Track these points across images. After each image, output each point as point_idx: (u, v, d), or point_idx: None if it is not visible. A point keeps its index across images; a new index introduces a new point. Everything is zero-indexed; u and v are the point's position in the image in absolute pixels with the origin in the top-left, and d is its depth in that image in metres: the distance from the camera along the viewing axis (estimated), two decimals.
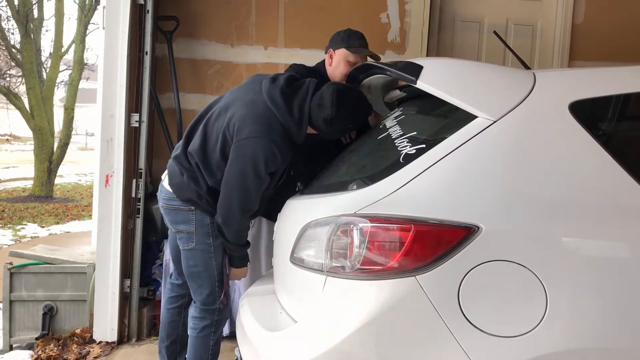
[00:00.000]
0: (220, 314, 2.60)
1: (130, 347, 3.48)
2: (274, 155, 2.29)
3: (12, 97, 12.27)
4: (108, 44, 3.49)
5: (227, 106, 2.43)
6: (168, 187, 2.55)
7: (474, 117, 1.73)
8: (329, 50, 2.88)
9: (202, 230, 2.49)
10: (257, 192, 2.38)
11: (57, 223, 8.99)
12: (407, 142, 1.84)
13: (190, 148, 2.49)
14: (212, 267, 2.51)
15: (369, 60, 2.83)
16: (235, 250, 2.53)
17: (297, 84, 2.41)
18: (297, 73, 2.69)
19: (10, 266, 3.64)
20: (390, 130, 2.05)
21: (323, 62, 2.95)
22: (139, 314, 3.58)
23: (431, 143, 1.75)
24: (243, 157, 2.30)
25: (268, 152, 2.28)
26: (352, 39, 2.81)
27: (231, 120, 2.36)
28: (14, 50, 12.55)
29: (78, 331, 3.59)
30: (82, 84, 12.99)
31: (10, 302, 3.63)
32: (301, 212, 2.04)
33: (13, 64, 13.25)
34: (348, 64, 2.79)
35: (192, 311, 2.63)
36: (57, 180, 12.87)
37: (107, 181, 3.47)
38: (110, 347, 3.45)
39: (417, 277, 1.57)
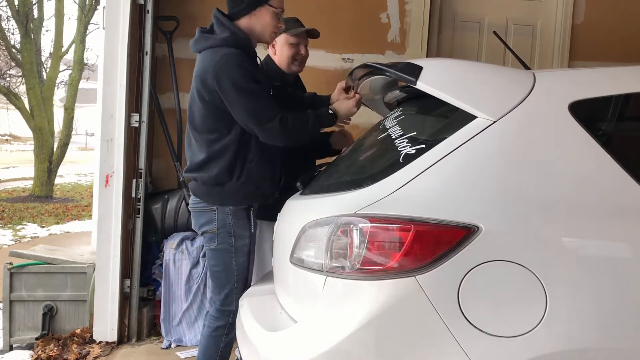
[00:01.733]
0: (234, 317, 2.55)
1: (130, 347, 3.48)
2: (243, 61, 2.38)
3: (12, 97, 12.28)
4: (108, 44, 3.50)
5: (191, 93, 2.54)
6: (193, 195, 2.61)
7: (474, 117, 1.73)
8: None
9: (224, 230, 2.50)
10: (264, 95, 2.40)
11: (57, 223, 8.99)
12: (407, 143, 1.84)
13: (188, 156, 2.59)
14: (232, 267, 2.52)
15: (369, 61, 2.83)
16: (318, 121, 2.50)
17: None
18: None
19: (10, 266, 3.64)
20: (390, 130, 2.05)
21: (267, 58, 3.01)
22: (139, 314, 3.58)
23: (431, 143, 1.75)
24: (228, 80, 2.34)
25: (237, 60, 2.36)
26: (288, 23, 2.87)
27: (196, 84, 2.45)
28: (14, 50, 12.56)
29: (78, 331, 3.59)
30: (82, 84, 13.00)
31: (10, 302, 3.64)
32: (301, 212, 2.04)
33: (13, 64, 13.26)
34: (291, 47, 2.90)
35: (211, 309, 2.65)
36: (57, 180, 12.88)
37: (107, 181, 3.47)
38: (110, 347, 3.46)
39: (416, 277, 1.57)
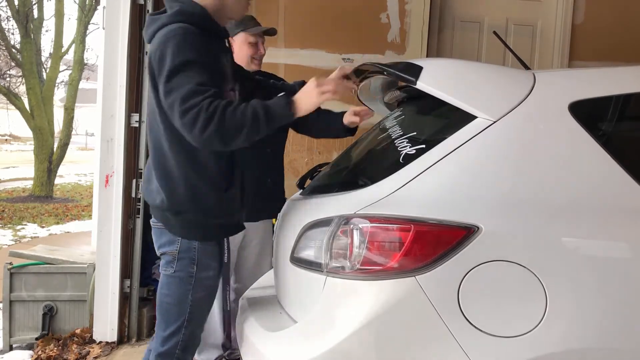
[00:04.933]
0: None
1: (130, 347, 3.48)
2: (192, 36, 1.87)
3: (12, 97, 12.28)
4: (108, 44, 3.49)
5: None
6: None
7: (474, 117, 1.73)
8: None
9: (187, 255, 1.98)
10: (199, 76, 1.81)
11: (57, 223, 8.99)
12: (407, 143, 1.84)
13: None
14: (186, 302, 1.99)
15: (369, 61, 2.83)
16: (257, 124, 1.82)
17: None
18: None
19: (10, 266, 3.64)
20: (390, 130, 2.05)
21: None
22: (139, 314, 3.58)
23: (431, 143, 1.75)
24: (166, 53, 1.84)
25: (182, 34, 1.86)
26: (245, 21, 2.87)
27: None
28: (14, 50, 12.55)
29: (78, 331, 3.59)
30: (82, 84, 13.00)
31: (10, 302, 3.63)
32: (301, 212, 2.04)
33: (13, 64, 13.26)
34: (250, 46, 2.88)
35: (146, 352, 2.15)
36: (57, 180, 12.88)
37: (107, 181, 3.47)
38: (110, 347, 3.45)
39: (416, 277, 1.57)
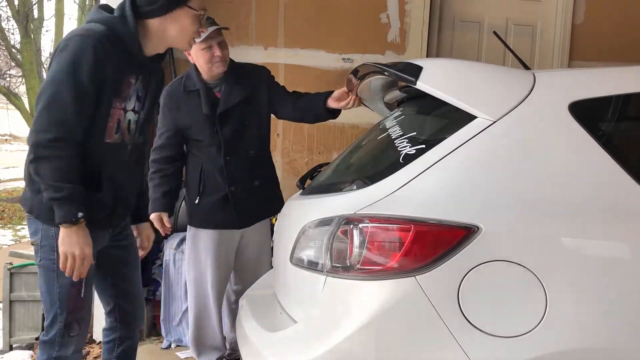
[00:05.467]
0: (62, 349, 2.03)
1: None
2: (101, 50, 1.88)
3: (12, 97, 12.29)
4: None
5: None
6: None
7: (474, 117, 1.73)
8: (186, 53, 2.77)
9: (47, 242, 1.99)
10: (75, 103, 1.86)
11: None
12: (406, 143, 1.84)
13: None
14: (54, 288, 2.00)
15: (369, 61, 2.83)
16: (55, 190, 1.85)
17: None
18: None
19: (10, 266, 3.64)
20: (390, 130, 2.05)
21: (189, 71, 2.85)
22: None
23: (431, 143, 1.75)
24: (63, 57, 1.87)
25: (95, 41, 1.88)
26: None
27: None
28: (14, 50, 12.56)
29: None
30: None
31: (10, 302, 3.63)
32: (301, 212, 2.04)
33: (13, 64, 13.26)
34: (204, 52, 2.70)
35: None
36: None
37: None
38: None
39: (416, 277, 1.57)
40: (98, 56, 1.88)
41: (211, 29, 2.67)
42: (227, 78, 2.83)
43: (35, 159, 1.86)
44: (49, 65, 1.97)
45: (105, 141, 2.00)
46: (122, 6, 1.99)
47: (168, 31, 2.03)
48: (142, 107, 2.12)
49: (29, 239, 2.10)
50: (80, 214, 1.89)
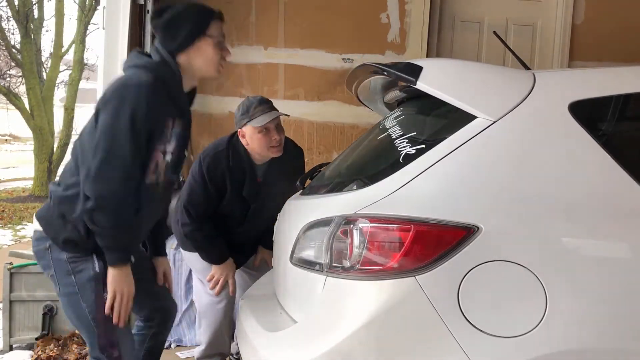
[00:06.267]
0: None
1: None
2: (158, 96, 1.96)
3: (12, 97, 12.27)
4: (108, 44, 3.49)
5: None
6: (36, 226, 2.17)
7: (474, 117, 1.73)
8: (238, 131, 2.73)
9: (61, 269, 2.02)
10: (133, 156, 1.93)
11: None
12: (406, 143, 1.84)
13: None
14: (82, 310, 2.00)
15: (369, 61, 2.82)
16: (113, 238, 1.94)
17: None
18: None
19: (10, 266, 3.64)
20: (390, 130, 2.05)
21: (236, 147, 2.76)
22: None
23: (431, 143, 1.75)
24: (119, 105, 1.91)
25: (149, 91, 1.93)
26: (251, 110, 2.65)
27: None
28: (14, 50, 12.54)
29: (78, 331, 3.59)
30: (82, 84, 12.97)
31: (10, 302, 3.63)
32: (301, 212, 2.04)
33: (13, 64, 13.24)
34: (262, 135, 2.64)
35: None
36: None
37: None
38: None
39: (416, 277, 1.57)
40: (151, 107, 1.94)
41: (271, 115, 2.63)
42: (272, 162, 2.77)
43: (98, 208, 1.90)
44: (95, 111, 1.99)
45: (146, 183, 2.04)
46: (157, 49, 2.05)
47: (194, 64, 2.08)
48: (178, 148, 2.14)
49: (46, 272, 2.12)
50: (133, 257, 2.01)
